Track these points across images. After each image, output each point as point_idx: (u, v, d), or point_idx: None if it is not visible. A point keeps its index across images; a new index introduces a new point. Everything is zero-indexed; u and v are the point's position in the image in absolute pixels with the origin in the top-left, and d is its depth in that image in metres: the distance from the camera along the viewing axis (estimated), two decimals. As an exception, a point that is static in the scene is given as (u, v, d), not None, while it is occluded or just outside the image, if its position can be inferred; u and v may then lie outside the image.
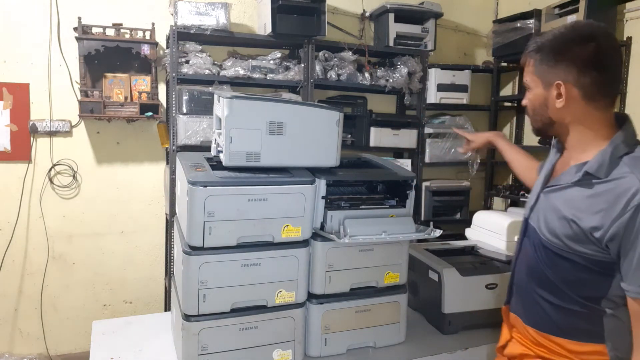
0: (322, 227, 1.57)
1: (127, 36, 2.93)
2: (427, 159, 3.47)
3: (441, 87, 3.47)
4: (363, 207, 1.63)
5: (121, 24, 2.89)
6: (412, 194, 1.68)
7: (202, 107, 2.79)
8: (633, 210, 1.02)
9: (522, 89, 3.83)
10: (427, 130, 3.47)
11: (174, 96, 2.80)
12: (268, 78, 2.98)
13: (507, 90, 3.91)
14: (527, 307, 1.28)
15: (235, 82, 2.94)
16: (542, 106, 1.20)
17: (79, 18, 2.76)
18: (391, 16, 3.29)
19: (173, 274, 1.77)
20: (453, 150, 3.50)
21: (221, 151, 1.52)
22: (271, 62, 3.03)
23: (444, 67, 3.49)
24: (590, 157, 1.13)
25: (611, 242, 1.06)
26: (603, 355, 1.16)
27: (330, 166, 1.62)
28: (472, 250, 2.18)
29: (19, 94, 2.86)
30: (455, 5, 3.83)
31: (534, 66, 1.19)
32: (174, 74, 2.80)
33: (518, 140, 3.74)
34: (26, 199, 2.94)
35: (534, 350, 1.26)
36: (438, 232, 1.62)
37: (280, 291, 1.52)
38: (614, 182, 1.07)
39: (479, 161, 3.55)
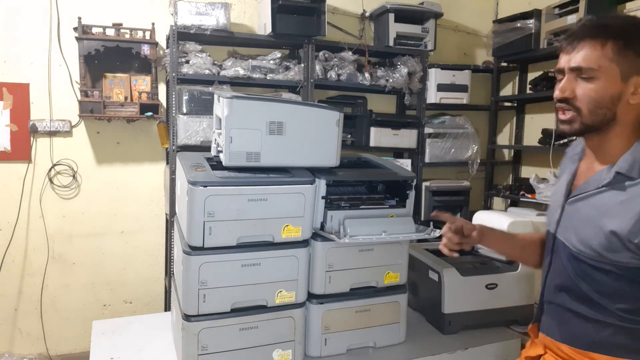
0: (322, 227, 1.57)
1: (127, 36, 2.93)
2: (427, 159, 3.47)
3: (441, 87, 3.47)
4: (363, 207, 1.63)
5: (121, 24, 2.89)
6: (412, 194, 1.68)
7: (202, 107, 2.79)
8: None
9: (522, 89, 3.83)
10: (427, 130, 3.47)
11: (174, 96, 2.80)
12: (268, 78, 2.99)
13: (507, 90, 3.91)
14: (561, 324, 1.18)
15: (235, 82, 2.94)
16: (614, 100, 1.04)
17: (79, 18, 2.76)
18: (391, 16, 3.29)
19: (173, 274, 1.77)
20: (453, 150, 3.50)
21: (221, 151, 1.52)
22: (271, 62, 3.03)
23: (444, 67, 3.49)
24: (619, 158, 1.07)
25: None
26: None
27: (330, 166, 1.62)
28: (472, 250, 2.18)
29: (19, 94, 2.86)
30: (455, 5, 3.83)
31: (614, 53, 1.02)
32: (174, 74, 2.80)
33: (518, 140, 3.74)
34: (26, 199, 2.94)
35: None
36: (438, 232, 1.61)
37: (280, 291, 1.52)
38: None
39: (479, 161, 3.56)
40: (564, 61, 1.08)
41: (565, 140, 3.00)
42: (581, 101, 1.06)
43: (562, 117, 1.09)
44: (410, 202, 1.68)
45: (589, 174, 1.13)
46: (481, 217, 2.39)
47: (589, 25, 1.06)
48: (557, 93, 1.08)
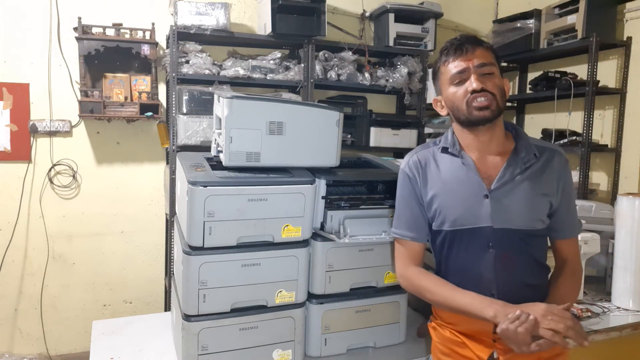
0: (322, 227, 1.57)
1: (127, 36, 2.93)
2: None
3: (441, 87, 3.47)
4: (363, 207, 1.63)
5: (121, 24, 2.89)
6: (412, 194, 1.68)
7: (202, 107, 2.79)
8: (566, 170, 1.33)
9: (522, 89, 3.83)
10: (427, 130, 3.47)
11: (174, 96, 2.80)
12: (268, 78, 2.99)
13: (507, 90, 3.91)
14: (520, 302, 1.20)
15: (235, 82, 2.94)
16: (503, 91, 1.30)
17: (79, 18, 2.76)
18: (391, 16, 3.30)
19: (173, 274, 1.77)
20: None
21: (221, 151, 1.52)
22: (271, 62, 3.03)
23: (444, 67, 3.48)
24: (511, 147, 1.31)
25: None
26: None
27: (330, 166, 1.62)
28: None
29: (19, 94, 2.86)
30: (455, 5, 3.83)
31: (494, 57, 1.31)
32: (174, 74, 2.80)
33: (518, 140, 3.74)
34: (26, 199, 2.94)
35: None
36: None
37: (280, 291, 1.52)
38: (545, 157, 1.30)
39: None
40: (465, 62, 1.26)
41: (566, 140, 3.00)
42: (493, 89, 1.26)
43: (483, 104, 1.24)
44: (410, 202, 1.68)
45: (495, 164, 1.30)
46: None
47: (472, 37, 1.32)
48: (476, 85, 1.23)
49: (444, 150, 1.36)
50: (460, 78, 1.26)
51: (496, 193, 1.26)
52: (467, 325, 1.30)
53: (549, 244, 1.38)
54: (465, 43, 1.28)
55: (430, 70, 3.44)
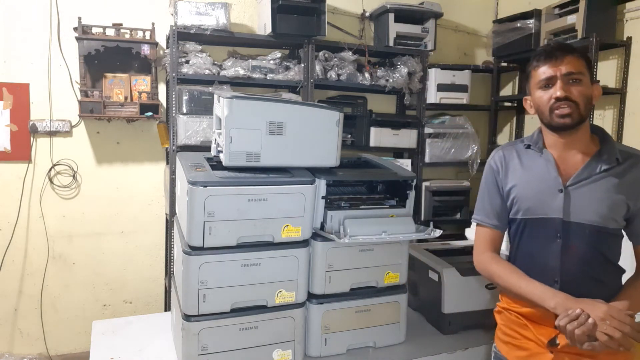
0: (322, 227, 1.57)
1: (127, 36, 2.93)
2: (427, 159, 3.47)
3: (441, 87, 3.47)
4: (363, 207, 1.63)
5: (121, 24, 2.89)
6: (412, 194, 1.68)
7: (202, 107, 2.79)
8: None
9: (522, 89, 3.83)
10: (427, 130, 3.47)
11: (174, 96, 2.80)
12: (268, 78, 2.99)
13: (507, 90, 3.91)
14: (583, 294, 1.27)
15: (235, 82, 2.94)
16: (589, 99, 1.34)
17: (79, 18, 2.76)
18: (391, 16, 3.29)
19: (173, 274, 1.77)
20: (453, 150, 3.50)
21: (221, 151, 1.52)
22: (271, 62, 3.03)
23: (444, 67, 3.49)
24: (595, 149, 1.36)
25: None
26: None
27: (330, 166, 1.62)
28: (472, 250, 2.18)
29: (19, 94, 2.86)
30: (455, 5, 3.83)
31: (585, 66, 1.34)
32: (174, 74, 2.80)
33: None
34: (26, 199, 2.94)
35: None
36: (438, 232, 1.62)
37: (280, 291, 1.52)
38: (629, 162, 1.34)
39: (479, 161, 3.56)
40: (554, 70, 1.32)
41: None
42: (577, 97, 1.31)
43: (565, 111, 1.31)
44: (410, 202, 1.68)
45: (575, 163, 1.36)
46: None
47: (565, 45, 1.38)
48: (560, 93, 1.30)
49: (528, 146, 1.45)
50: (547, 84, 1.34)
51: (571, 188, 1.33)
52: (531, 309, 1.36)
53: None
54: (556, 50, 1.34)
55: (430, 70, 3.45)
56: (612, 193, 1.32)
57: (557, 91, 1.31)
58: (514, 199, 1.42)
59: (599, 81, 1.34)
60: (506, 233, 1.51)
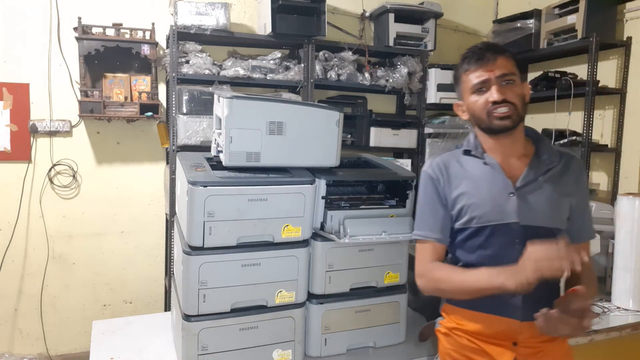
0: (322, 227, 1.57)
1: (127, 36, 2.93)
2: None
3: (441, 87, 3.46)
4: (363, 207, 1.63)
5: (121, 24, 2.89)
6: (412, 194, 1.68)
7: (202, 107, 2.79)
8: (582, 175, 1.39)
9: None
10: (427, 130, 3.46)
11: (174, 96, 2.80)
12: (268, 78, 2.98)
13: (507, 90, 3.91)
14: (546, 298, 1.25)
15: (235, 82, 2.94)
16: (524, 98, 1.32)
17: (79, 18, 2.76)
18: (391, 16, 3.29)
19: (173, 274, 1.77)
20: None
21: (221, 151, 1.52)
22: (271, 62, 3.03)
23: (444, 67, 3.48)
24: (532, 150, 1.35)
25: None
26: None
27: (330, 166, 1.62)
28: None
29: (19, 94, 2.86)
30: (455, 5, 3.83)
31: (514, 64, 1.32)
32: (174, 74, 2.80)
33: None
34: (26, 199, 2.94)
35: (546, 347, 1.29)
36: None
37: (280, 291, 1.52)
38: (563, 162, 1.34)
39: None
40: (487, 73, 1.29)
41: (566, 140, 3.01)
42: (513, 98, 1.28)
43: (504, 114, 1.27)
44: (410, 202, 1.68)
45: (518, 165, 1.33)
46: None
47: (494, 45, 1.36)
48: (497, 96, 1.26)
49: (467, 152, 1.38)
50: (482, 87, 1.29)
51: (521, 191, 1.29)
52: (489, 328, 1.30)
53: None
54: (486, 52, 1.31)
55: (430, 70, 3.45)
56: (557, 193, 1.31)
57: (493, 94, 1.27)
58: (462, 207, 1.32)
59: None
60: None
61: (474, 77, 1.30)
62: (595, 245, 1.94)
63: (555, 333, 1.17)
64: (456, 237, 1.36)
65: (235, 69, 2.91)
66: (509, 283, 1.15)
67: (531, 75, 3.56)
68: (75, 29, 2.80)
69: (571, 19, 2.97)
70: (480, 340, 1.31)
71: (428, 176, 1.39)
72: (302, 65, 3.05)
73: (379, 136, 3.30)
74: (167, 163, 3.13)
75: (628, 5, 2.98)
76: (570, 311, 1.16)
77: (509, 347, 1.28)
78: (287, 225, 1.50)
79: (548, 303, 1.23)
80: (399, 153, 3.58)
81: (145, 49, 2.86)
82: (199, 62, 2.85)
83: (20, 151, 2.89)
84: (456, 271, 1.32)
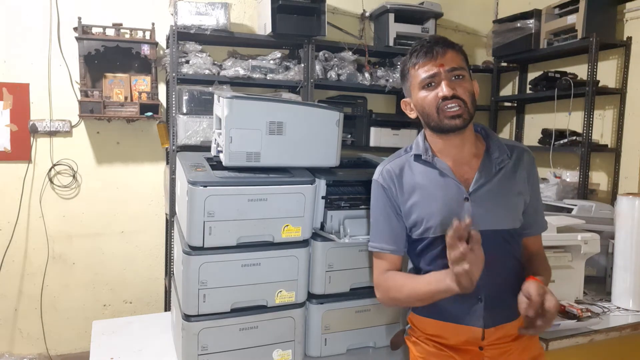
0: (322, 227, 1.57)
1: (127, 36, 2.93)
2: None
3: (441, 87, 3.47)
4: (363, 207, 1.63)
5: (121, 24, 2.89)
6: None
7: (202, 107, 2.79)
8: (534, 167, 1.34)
9: (522, 89, 3.83)
10: (427, 130, 3.46)
11: (174, 96, 2.80)
12: (268, 78, 2.99)
13: (507, 90, 3.91)
14: (507, 304, 1.23)
15: (235, 82, 2.94)
16: (474, 95, 1.27)
17: (79, 18, 2.76)
18: (391, 16, 3.29)
19: (173, 274, 1.77)
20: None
21: (221, 151, 1.52)
22: (271, 62, 3.03)
23: (444, 67, 3.48)
24: (482, 147, 1.31)
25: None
26: None
27: (330, 166, 1.62)
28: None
29: (19, 94, 2.86)
30: (455, 5, 3.83)
31: (464, 60, 1.28)
32: (174, 74, 2.80)
33: (518, 139, 3.74)
34: (26, 199, 2.94)
35: (512, 347, 1.28)
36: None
37: (280, 291, 1.52)
38: (514, 157, 1.31)
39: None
40: (436, 67, 1.22)
41: (566, 140, 3.00)
42: (463, 94, 1.22)
43: (455, 112, 1.21)
44: (410, 202, 1.68)
45: (469, 166, 1.28)
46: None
47: (442, 39, 1.26)
48: (447, 91, 1.20)
49: (417, 157, 1.32)
50: (430, 82, 1.23)
51: (475, 195, 1.25)
52: (453, 337, 1.28)
53: None
54: (435, 45, 1.23)
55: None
56: (511, 191, 1.27)
57: (443, 89, 1.20)
58: (417, 218, 1.28)
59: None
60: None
61: (423, 71, 1.23)
62: (595, 245, 1.93)
63: (538, 331, 1.15)
64: (415, 247, 1.32)
65: (235, 69, 2.91)
66: (453, 285, 1.12)
67: (531, 75, 3.56)
68: (75, 29, 2.80)
69: (571, 19, 2.97)
70: (447, 347, 1.29)
71: (379, 185, 1.34)
72: (302, 65, 3.05)
73: (379, 136, 3.30)
74: (167, 163, 3.13)
75: (628, 5, 2.99)
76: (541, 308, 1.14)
77: (476, 352, 1.27)
78: (287, 225, 1.50)
79: (509, 308, 1.22)
80: (399, 153, 3.57)
81: (145, 49, 2.86)
82: (199, 62, 2.85)
83: (20, 151, 2.90)
84: (407, 278, 1.28)
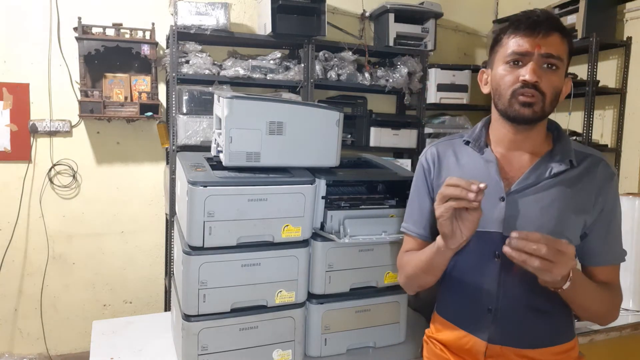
0: (322, 227, 1.57)
1: (127, 36, 2.93)
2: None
3: (441, 87, 3.47)
4: (363, 207, 1.63)
5: (121, 24, 2.89)
6: (412, 194, 1.68)
7: (202, 107, 2.79)
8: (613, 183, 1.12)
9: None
10: (427, 130, 3.47)
11: (174, 96, 2.80)
12: (268, 78, 2.99)
13: (507, 90, 3.91)
14: (522, 328, 1.13)
15: (235, 82, 2.94)
16: (559, 93, 1.10)
17: (79, 18, 2.76)
18: (391, 16, 3.30)
19: (173, 274, 1.77)
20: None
21: (221, 151, 1.52)
22: (271, 62, 3.03)
23: (444, 67, 3.49)
24: (548, 149, 1.14)
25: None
26: (575, 348, 1.17)
27: (330, 166, 1.62)
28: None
29: (19, 94, 2.86)
30: (455, 5, 3.83)
31: (567, 52, 1.07)
32: (174, 74, 2.80)
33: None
34: (26, 199, 2.94)
35: None
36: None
37: (280, 291, 1.52)
38: (585, 166, 1.11)
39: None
40: (532, 45, 1.04)
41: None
42: (547, 88, 1.06)
43: (528, 100, 1.05)
44: (410, 202, 1.68)
45: (522, 165, 1.13)
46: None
47: (554, 18, 1.07)
48: (530, 76, 1.03)
49: (467, 143, 1.20)
50: (517, 60, 1.06)
51: (515, 196, 1.10)
52: (457, 344, 1.20)
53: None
54: (543, 22, 1.04)
55: (430, 70, 3.45)
56: (563, 203, 1.08)
57: (527, 73, 1.03)
58: None
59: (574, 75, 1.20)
60: None
61: (515, 44, 1.06)
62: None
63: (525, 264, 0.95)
64: None
65: (235, 69, 2.91)
66: (440, 240, 1.05)
67: (531, 75, 3.56)
68: (75, 29, 2.80)
69: (571, 19, 2.97)
70: (451, 353, 1.22)
71: (421, 165, 1.26)
72: (302, 65, 3.05)
73: (379, 136, 3.30)
74: (167, 163, 3.13)
75: (628, 5, 2.99)
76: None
77: None
78: (287, 225, 1.50)
79: (525, 332, 1.12)
80: (399, 153, 3.58)
81: (145, 49, 2.86)
82: (199, 62, 2.85)
83: (20, 151, 2.90)
84: (413, 254, 1.21)
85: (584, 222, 1.10)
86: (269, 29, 2.92)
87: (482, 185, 0.94)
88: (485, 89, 1.16)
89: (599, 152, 1.15)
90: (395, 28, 3.31)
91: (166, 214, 3.16)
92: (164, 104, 3.12)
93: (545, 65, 1.05)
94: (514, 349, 1.12)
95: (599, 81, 2.92)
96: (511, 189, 1.11)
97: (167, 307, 3.20)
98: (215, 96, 1.58)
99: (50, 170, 2.96)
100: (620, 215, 1.15)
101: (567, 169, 1.10)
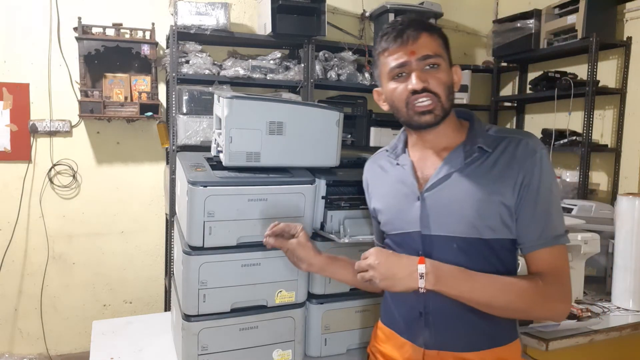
0: (322, 227, 1.57)
1: (127, 36, 2.93)
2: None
3: (441, 87, 3.46)
4: (363, 207, 1.63)
5: (121, 24, 2.89)
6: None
7: (202, 107, 2.79)
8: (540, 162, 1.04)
9: (522, 89, 3.83)
10: (427, 130, 3.46)
11: (174, 96, 2.80)
12: (268, 78, 2.99)
13: (507, 90, 3.92)
14: (458, 332, 1.08)
15: (235, 82, 2.94)
16: (451, 86, 1.09)
17: (79, 18, 2.76)
18: (391, 16, 3.29)
19: (173, 274, 1.77)
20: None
21: (221, 151, 1.52)
22: (271, 62, 3.03)
23: (444, 67, 3.48)
24: (461, 140, 1.11)
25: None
26: (518, 350, 1.12)
27: (330, 166, 1.62)
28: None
29: (19, 94, 2.86)
30: (455, 5, 3.83)
31: (442, 45, 1.08)
32: (174, 74, 2.80)
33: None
34: (26, 199, 2.94)
35: None
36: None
37: (280, 291, 1.52)
38: (501, 148, 1.06)
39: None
40: (407, 54, 1.04)
41: (566, 140, 3.00)
42: (437, 88, 1.04)
43: (425, 108, 1.04)
44: (410, 202, 1.68)
45: (434, 162, 1.12)
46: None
47: (417, 20, 1.08)
48: (416, 84, 1.03)
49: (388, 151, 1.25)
50: (401, 72, 1.06)
51: (428, 194, 1.09)
52: (397, 351, 1.17)
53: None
54: (407, 28, 1.04)
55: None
56: (480, 192, 1.04)
57: (412, 82, 1.03)
58: (378, 213, 1.23)
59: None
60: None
61: (392, 59, 1.06)
62: (595, 245, 1.93)
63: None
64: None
65: (235, 69, 2.91)
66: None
67: (531, 75, 3.56)
68: (75, 29, 2.80)
69: (571, 19, 2.97)
70: None
71: (364, 179, 1.32)
72: (302, 65, 3.05)
73: (379, 136, 3.30)
74: (167, 163, 3.13)
75: (628, 5, 2.99)
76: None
77: None
78: (287, 225, 1.50)
79: (463, 335, 1.08)
80: (399, 153, 3.57)
81: (145, 49, 2.86)
82: (199, 62, 2.85)
83: (20, 151, 2.90)
84: (339, 261, 1.34)
85: (506, 206, 1.03)
86: (269, 29, 2.92)
87: (268, 232, 1.23)
88: (384, 107, 1.16)
89: (527, 133, 1.10)
90: (395, 28, 3.31)
91: (166, 214, 3.16)
92: (164, 104, 3.13)
93: (427, 67, 1.05)
94: (453, 353, 1.09)
95: (599, 81, 2.92)
96: (425, 187, 1.10)
97: (167, 307, 3.20)
98: (215, 96, 1.58)
99: (50, 170, 2.96)
100: (553, 192, 1.05)
101: (481, 157, 1.07)
